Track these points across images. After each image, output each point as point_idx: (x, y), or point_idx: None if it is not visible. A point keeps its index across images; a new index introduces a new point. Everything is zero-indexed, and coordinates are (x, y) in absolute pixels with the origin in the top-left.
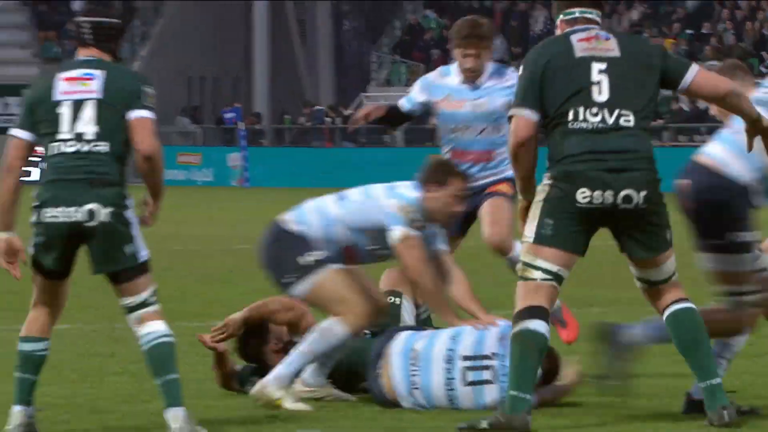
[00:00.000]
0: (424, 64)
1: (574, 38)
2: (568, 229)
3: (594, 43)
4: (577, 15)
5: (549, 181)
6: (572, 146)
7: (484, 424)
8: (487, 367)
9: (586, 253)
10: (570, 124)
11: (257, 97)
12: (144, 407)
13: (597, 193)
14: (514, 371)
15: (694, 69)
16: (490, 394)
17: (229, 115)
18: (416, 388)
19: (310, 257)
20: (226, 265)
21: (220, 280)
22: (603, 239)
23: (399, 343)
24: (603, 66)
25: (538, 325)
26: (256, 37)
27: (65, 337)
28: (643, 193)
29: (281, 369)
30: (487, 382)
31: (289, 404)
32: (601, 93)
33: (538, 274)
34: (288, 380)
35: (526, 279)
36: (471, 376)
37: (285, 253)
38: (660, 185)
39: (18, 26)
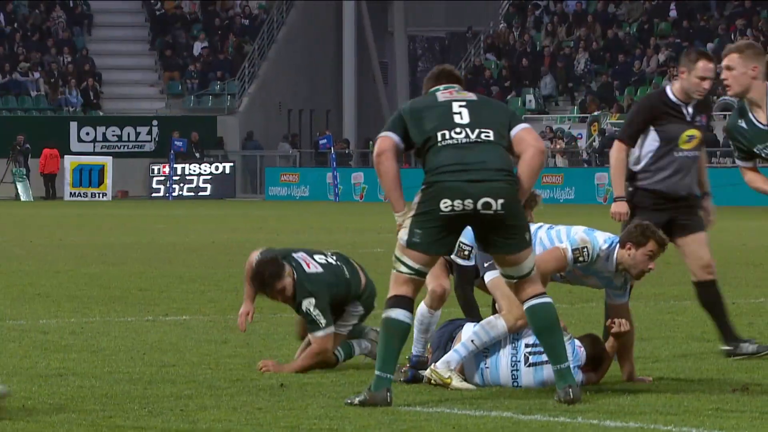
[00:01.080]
0: None
1: (437, 93)
2: (434, 238)
3: (454, 94)
4: (441, 88)
5: (419, 196)
6: (442, 159)
7: (356, 400)
8: (543, 351)
9: (452, 251)
10: (440, 143)
11: (346, 126)
12: (254, 384)
13: (457, 202)
14: (379, 354)
15: (524, 126)
16: (547, 372)
17: (322, 141)
18: (487, 367)
19: None
20: None
21: None
22: None
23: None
24: (462, 103)
25: (399, 313)
26: (345, 76)
27: (187, 326)
28: (500, 201)
29: (450, 355)
30: (545, 362)
31: (457, 383)
32: (463, 118)
33: (404, 269)
34: (455, 364)
35: (396, 270)
36: (532, 359)
37: None
38: (517, 194)
39: (148, 68)
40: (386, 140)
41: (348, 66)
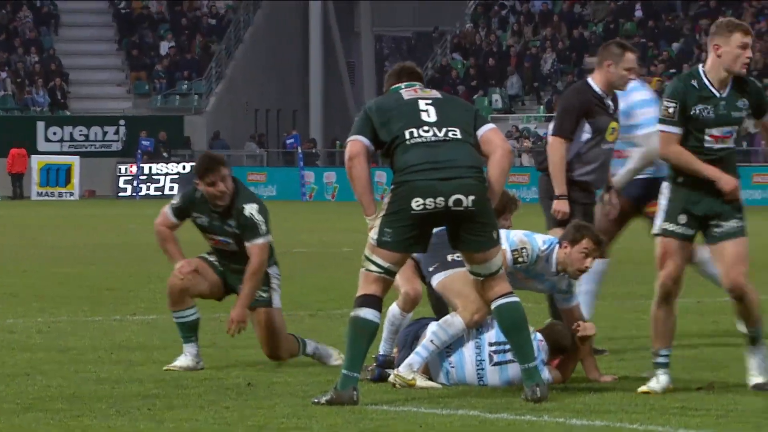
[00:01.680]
0: None
1: (401, 92)
2: (403, 236)
3: (419, 92)
4: (402, 86)
5: (389, 196)
6: (412, 158)
7: (323, 399)
8: (508, 350)
9: (425, 249)
10: (408, 141)
11: (313, 126)
12: (221, 383)
13: (429, 200)
14: (346, 352)
15: (490, 126)
16: (513, 371)
17: (289, 141)
18: (452, 367)
19: (457, 256)
20: (288, 265)
21: (283, 278)
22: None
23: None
24: (428, 101)
25: (368, 313)
26: (312, 76)
27: (154, 325)
28: (471, 197)
29: (411, 357)
30: (510, 361)
31: (421, 383)
32: (430, 116)
33: (374, 268)
34: (417, 366)
35: (366, 269)
36: (497, 357)
37: (438, 249)
38: (487, 191)
39: (115, 68)
40: (357, 144)
41: (315, 66)
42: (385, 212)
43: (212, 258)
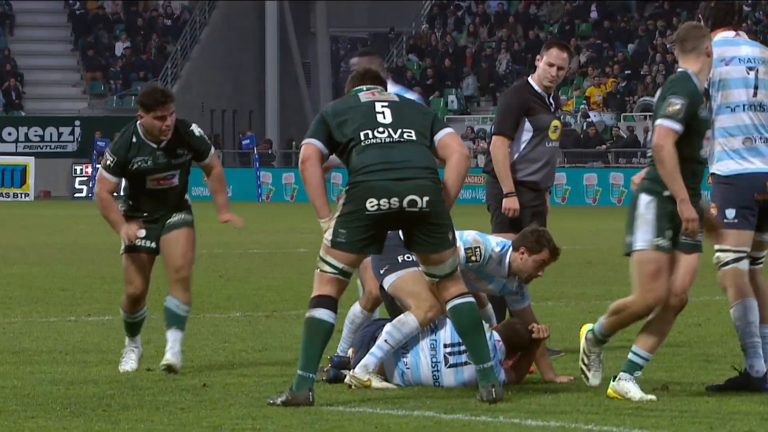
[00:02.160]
0: None
1: (360, 94)
2: (358, 237)
3: (377, 95)
4: (363, 89)
5: (344, 197)
6: (367, 158)
7: (278, 400)
8: (463, 352)
9: (380, 249)
10: (363, 142)
11: (269, 127)
12: (177, 383)
13: (383, 200)
14: (302, 353)
15: (448, 131)
16: (468, 372)
17: (245, 142)
18: (408, 368)
19: (407, 256)
20: (244, 266)
21: (238, 279)
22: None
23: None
24: (385, 104)
25: (323, 313)
26: (268, 76)
27: (109, 326)
28: (426, 198)
29: (367, 358)
30: (465, 363)
31: (377, 384)
32: (386, 118)
33: (328, 269)
34: (373, 366)
35: (321, 270)
36: (452, 359)
37: (388, 250)
38: (441, 192)
39: (70, 68)
40: (310, 147)
41: (271, 66)
42: (339, 213)
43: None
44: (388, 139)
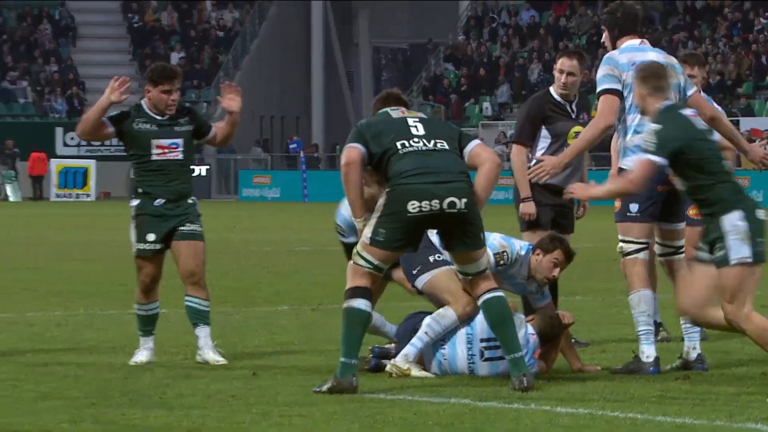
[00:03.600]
0: (444, 105)
1: (390, 112)
2: (396, 237)
3: (406, 113)
4: (389, 110)
5: (383, 198)
6: (405, 165)
7: (324, 388)
8: (499, 347)
9: (416, 249)
10: (400, 151)
11: (315, 131)
12: (228, 373)
13: (425, 202)
14: (343, 342)
15: (477, 142)
16: (503, 366)
17: (292, 146)
18: (445, 359)
19: (438, 256)
20: (291, 263)
21: (286, 275)
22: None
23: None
24: (416, 120)
25: (360, 303)
26: (313, 84)
27: (166, 318)
28: (464, 200)
29: (407, 348)
30: (500, 358)
31: (416, 372)
32: (419, 131)
33: (363, 263)
34: (413, 356)
35: (355, 263)
36: (487, 353)
37: (419, 251)
38: (474, 195)
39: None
40: (354, 151)
41: (316, 75)
42: (380, 213)
43: (150, 233)
44: (423, 148)
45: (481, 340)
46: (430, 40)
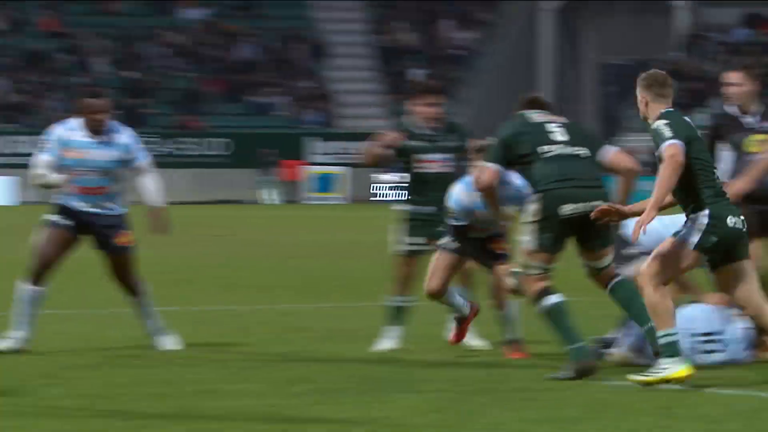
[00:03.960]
0: None
1: (532, 115)
2: (555, 239)
3: (547, 116)
4: (527, 113)
5: (537, 203)
6: (549, 170)
7: (562, 375)
8: (714, 341)
9: (563, 250)
10: (544, 155)
11: None
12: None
13: (576, 206)
14: (562, 334)
15: (615, 148)
16: (720, 357)
17: None
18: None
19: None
20: None
21: None
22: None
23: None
24: (557, 125)
25: (553, 298)
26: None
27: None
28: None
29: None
30: (713, 351)
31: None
32: (560, 136)
33: (536, 271)
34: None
35: (528, 274)
36: (705, 347)
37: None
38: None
39: (376, 91)
40: (492, 174)
41: (545, 91)
42: (534, 220)
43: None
44: (565, 153)
45: (700, 335)
46: (652, 57)
